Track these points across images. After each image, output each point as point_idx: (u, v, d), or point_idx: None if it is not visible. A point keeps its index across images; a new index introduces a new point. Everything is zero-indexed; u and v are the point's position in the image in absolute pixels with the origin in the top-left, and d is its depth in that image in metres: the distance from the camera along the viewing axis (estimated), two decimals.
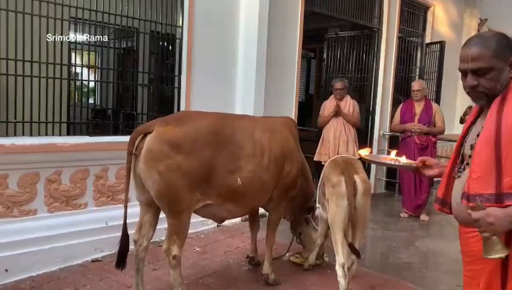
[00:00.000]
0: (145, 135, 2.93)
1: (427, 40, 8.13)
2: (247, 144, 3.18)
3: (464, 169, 1.75)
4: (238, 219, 5.01)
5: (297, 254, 4.13)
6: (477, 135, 1.70)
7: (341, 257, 3.01)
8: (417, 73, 7.96)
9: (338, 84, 5.84)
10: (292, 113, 5.89)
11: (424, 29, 8.19)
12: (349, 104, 5.84)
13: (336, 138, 5.74)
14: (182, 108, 4.77)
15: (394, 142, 7.31)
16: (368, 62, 7.32)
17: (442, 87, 8.20)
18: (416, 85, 6.10)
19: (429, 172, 2.04)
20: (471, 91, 1.72)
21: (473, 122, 1.83)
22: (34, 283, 3.51)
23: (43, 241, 3.74)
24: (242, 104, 5.16)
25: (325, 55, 7.86)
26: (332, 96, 5.97)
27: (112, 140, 4.09)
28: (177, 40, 4.74)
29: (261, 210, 3.92)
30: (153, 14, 4.56)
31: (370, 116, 7.39)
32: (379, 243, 4.98)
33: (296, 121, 7.24)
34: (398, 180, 7.19)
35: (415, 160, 6.11)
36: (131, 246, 3.14)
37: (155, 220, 3.19)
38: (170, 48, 4.90)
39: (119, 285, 3.49)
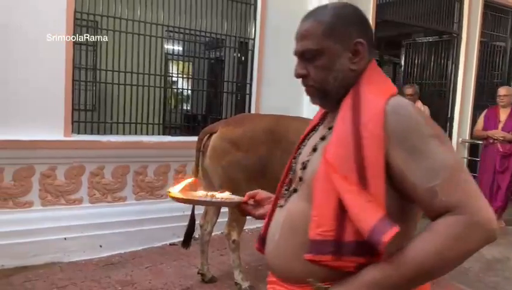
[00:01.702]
0: (211, 135, 3.42)
1: None
2: None
3: (290, 195, 1.24)
4: None
5: None
6: (314, 150, 1.20)
7: None
8: (500, 78, 7.62)
9: (408, 90, 5.91)
10: None
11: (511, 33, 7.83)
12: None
13: None
14: (253, 112, 5.23)
15: (475, 150, 7.12)
16: (447, 68, 7.21)
17: None
18: (502, 90, 5.94)
19: (258, 211, 1.47)
20: (302, 83, 1.22)
21: (311, 131, 1.34)
22: (122, 258, 4.17)
23: (131, 224, 4.40)
24: (309, 109, 5.45)
25: (402, 62, 7.87)
26: None
27: (189, 139, 4.65)
28: (249, 51, 5.22)
29: None
30: (229, 29, 5.11)
31: (448, 123, 7.25)
32: None
33: None
34: None
35: (497, 168, 5.83)
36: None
37: (218, 208, 3.65)
38: (243, 58, 5.41)
39: (189, 265, 4.02)
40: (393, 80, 12.10)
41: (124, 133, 4.67)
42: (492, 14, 7.51)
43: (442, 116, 7.16)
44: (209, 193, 1.51)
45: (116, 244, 4.25)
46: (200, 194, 1.53)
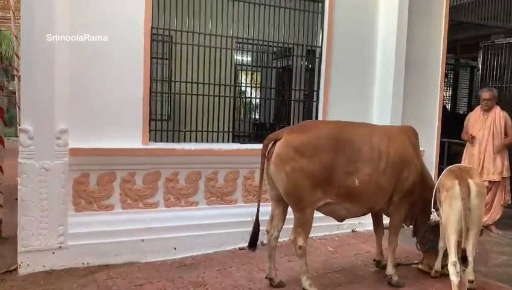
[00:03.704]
0: (275, 142, 3.51)
1: None
2: (365, 148, 3.52)
3: None
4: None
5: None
6: None
7: (453, 256, 3.16)
8: None
9: (485, 94, 5.57)
10: (435, 124, 5.87)
11: None
12: (498, 116, 5.47)
13: (481, 152, 5.43)
14: (320, 119, 5.26)
15: None
16: None
17: None
18: None
19: None
20: None
21: None
22: (194, 261, 4.36)
23: (203, 228, 4.60)
24: (379, 115, 5.38)
25: (479, 65, 7.48)
26: (478, 108, 5.71)
27: (257, 147, 4.77)
28: (317, 59, 5.27)
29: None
30: (296, 38, 5.21)
31: None
32: None
33: (451, 133, 7.08)
34: None
35: None
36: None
37: (284, 213, 3.71)
38: (311, 66, 5.47)
39: (258, 269, 4.11)
40: (471, 84, 11.47)
41: (196, 141, 4.92)
42: None
43: None
44: None
45: (189, 246, 4.47)
46: None
